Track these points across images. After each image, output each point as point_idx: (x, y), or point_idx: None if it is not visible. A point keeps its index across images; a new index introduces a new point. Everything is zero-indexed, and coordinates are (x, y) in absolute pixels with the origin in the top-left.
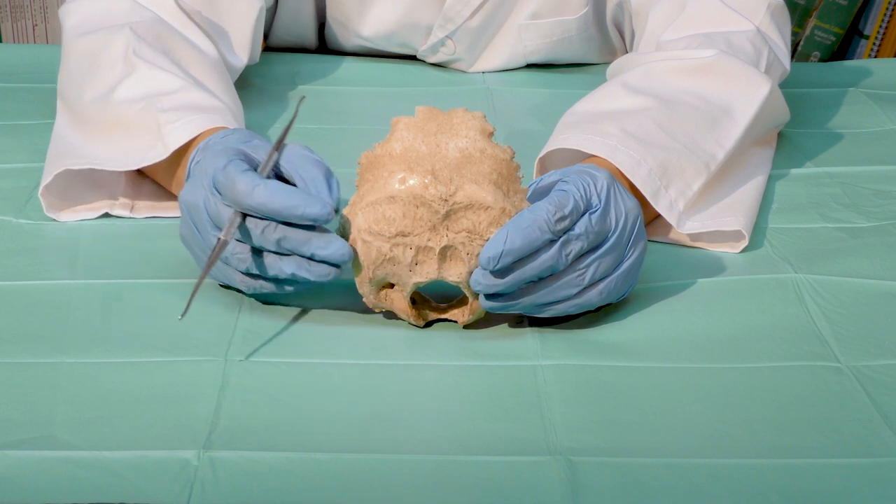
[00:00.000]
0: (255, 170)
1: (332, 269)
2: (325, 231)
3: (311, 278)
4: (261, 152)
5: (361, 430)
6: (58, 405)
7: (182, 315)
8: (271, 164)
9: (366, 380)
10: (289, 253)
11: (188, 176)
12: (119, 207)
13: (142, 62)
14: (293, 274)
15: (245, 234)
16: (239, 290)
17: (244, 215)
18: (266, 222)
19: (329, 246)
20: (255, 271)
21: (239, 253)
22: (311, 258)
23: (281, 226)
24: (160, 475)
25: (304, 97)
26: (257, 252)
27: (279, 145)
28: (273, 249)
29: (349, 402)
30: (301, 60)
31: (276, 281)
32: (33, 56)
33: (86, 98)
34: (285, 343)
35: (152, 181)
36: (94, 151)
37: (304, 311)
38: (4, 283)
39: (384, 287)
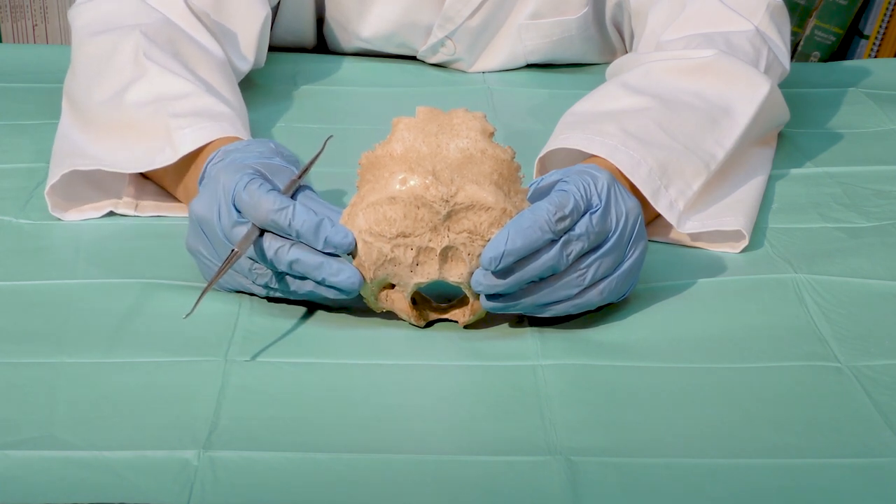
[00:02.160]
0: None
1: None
2: (337, 257)
3: (330, 296)
4: (278, 174)
5: (362, 430)
6: (58, 405)
7: (187, 315)
8: (293, 189)
9: (366, 380)
10: (300, 276)
11: (201, 185)
12: (123, 206)
13: (152, 65)
14: (310, 292)
15: (258, 252)
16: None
17: (262, 232)
18: (281, 243)
19: (340, 273)
20: (273, 285)
21: (259, 268)
22: (320, 283)
23: (294, 248)
24: (160, 475)
25: (331, 136)
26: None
27: (303, 174)
28: (284, 271)
29: (350, 403)
30: (302, 60)
31: (293, 293)
32: (33, 56)
33: (95, 99)
34: (286, 343)
35: (156, 182)
36: (102, 152)
37: (304, 312)
38: (5, 284)
39: (385, 287)
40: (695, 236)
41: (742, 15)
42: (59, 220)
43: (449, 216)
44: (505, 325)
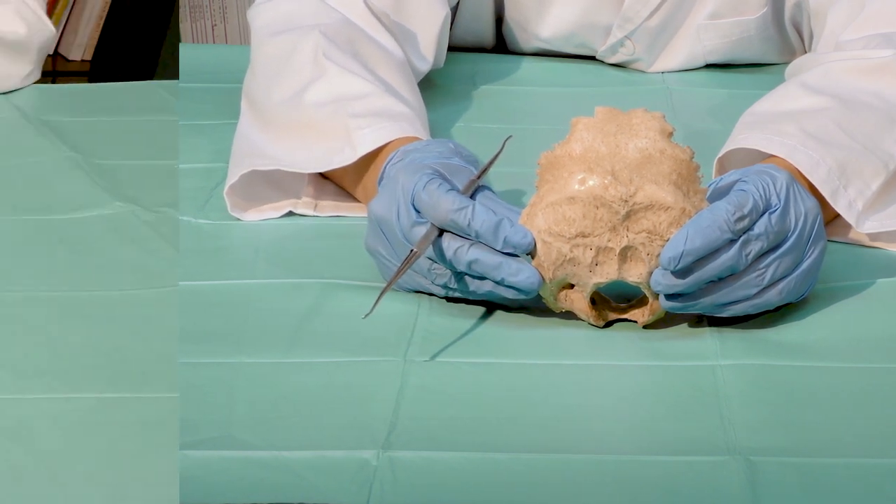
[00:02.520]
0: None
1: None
2: (516, 257)
3: (509, 296)
4: (457, 174)
5: (541, 430)
6: (237, 405)
7: (366, 315)
8: (472, 189)
9: (546, 380)
10: (479, 276)
11: (380, 185)
12: (303, 206)
13: (332, 65)
14: (489, 292)
15: (437, 252)
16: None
17: (441, 232)
18: (460, 243)
19: (519, 273)
20: (452, 285)
21: (438, 268)
22: (499, 283)
23: (473, 248)
24: (339, 475)
25: (510, 136)
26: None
27: (482, 174)
28: (463, 270)
29: (529, 402)
30: (481, 60)
31: (472, 293)
32: (213, 56)
33: (274, 99)
34: (465, 343)
35: (335, 182)
36: (280, 152)
37: (483, 312)
38: (184, 284)
39: (564, 287)
40: (874, 236)
41: None
42: (239, 220)
43: (628, 216)
44: (684, 325)
